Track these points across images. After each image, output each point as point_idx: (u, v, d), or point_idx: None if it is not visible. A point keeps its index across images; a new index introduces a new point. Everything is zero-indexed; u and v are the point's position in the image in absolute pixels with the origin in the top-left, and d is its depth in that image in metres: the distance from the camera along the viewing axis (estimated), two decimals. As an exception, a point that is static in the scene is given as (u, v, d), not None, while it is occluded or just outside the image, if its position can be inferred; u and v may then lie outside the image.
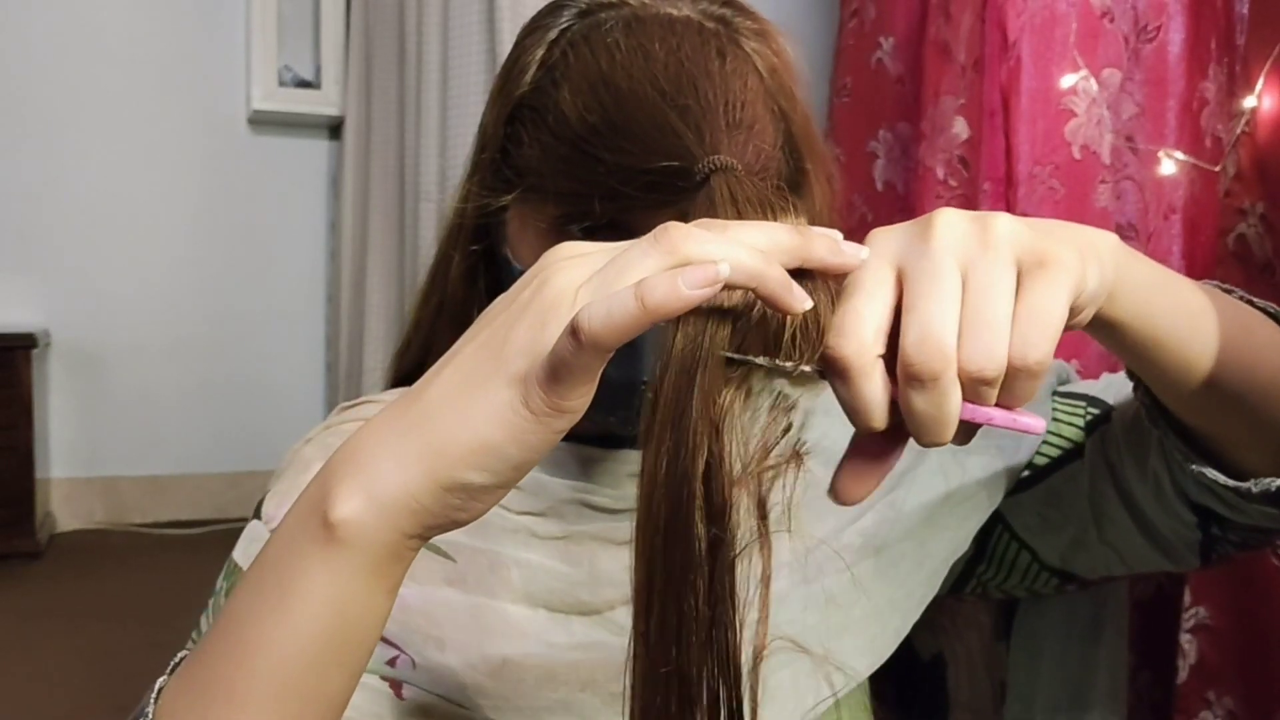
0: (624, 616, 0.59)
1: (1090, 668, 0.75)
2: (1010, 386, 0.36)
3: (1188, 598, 1.01)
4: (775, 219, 0.40)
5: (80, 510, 2.91)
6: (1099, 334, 0.45)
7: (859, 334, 0.36)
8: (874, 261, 0.38)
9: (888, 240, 0.38)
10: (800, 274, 0.38)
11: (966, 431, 0.38)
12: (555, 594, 0.59)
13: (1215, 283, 0.51)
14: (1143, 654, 1.02)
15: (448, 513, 0.39)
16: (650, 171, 0.48)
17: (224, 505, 2.97)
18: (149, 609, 2.18)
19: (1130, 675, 0.83)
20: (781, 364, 0.38)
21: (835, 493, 0.40)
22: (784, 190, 0.44)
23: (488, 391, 0.37)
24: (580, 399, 0.37)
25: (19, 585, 2.39)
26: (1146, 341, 0.45)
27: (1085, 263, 0.38)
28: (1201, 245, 1.24)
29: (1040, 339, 0.36)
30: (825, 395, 0.66)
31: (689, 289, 0.35)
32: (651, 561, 0.37)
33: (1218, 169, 1.15)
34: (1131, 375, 0.55)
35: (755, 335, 0.41)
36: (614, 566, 0.60)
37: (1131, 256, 0.43)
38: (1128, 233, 1.34)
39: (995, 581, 0.69)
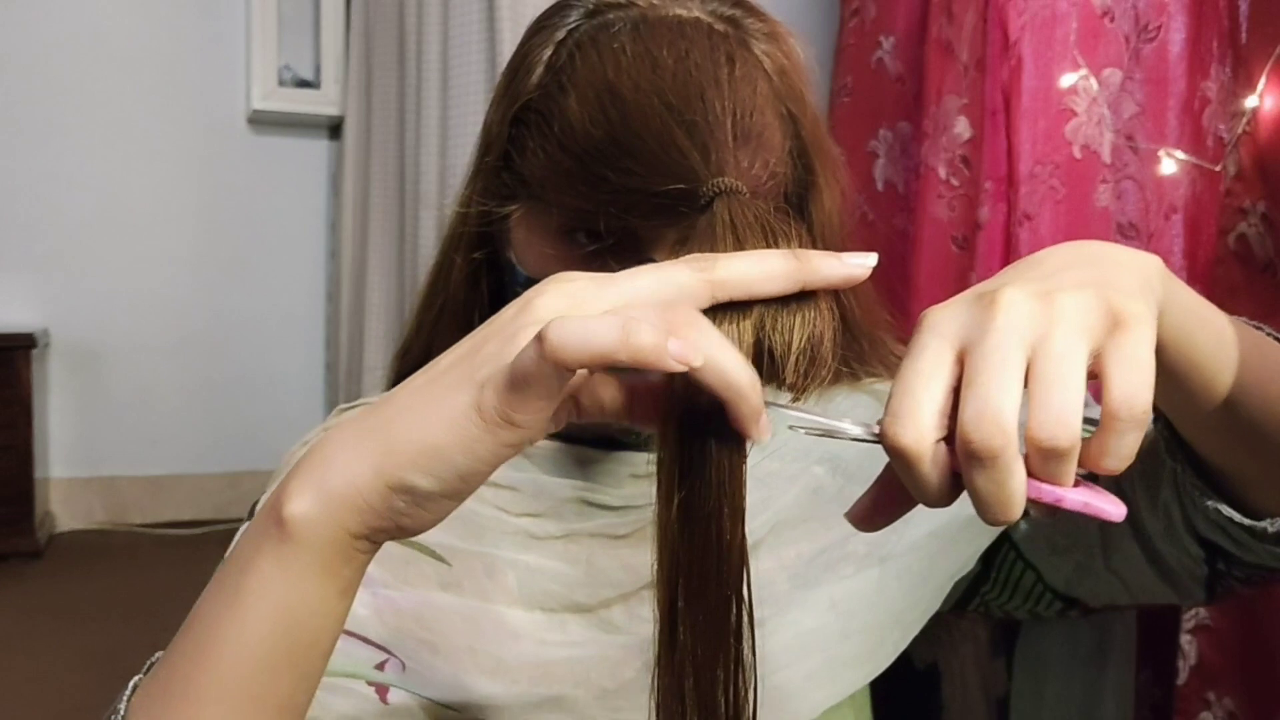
0: (619, 615, 0.59)
1: (1096, 694, 0.75)
2: (1118, 444, 0.35)
3: (1188, 598, 1.01)
4: (776, 244, 0.40)
5: (80, 510, 2.91)
6: None
7: (917, 421, 0.35)
8: (932, 341, 0.37)
9: (948, 320, 0.37)
10: (804, 295, 0.38)
11: (1048, 510, 0.37)
12: (551, 595, 0.59)
13: (1245, 319, 0.51)
14: (1143, 654, 1.02)
15: (393, 516, 0.38)
16: (656, 194, 0.48)
17: (224, 505, 2.97)
18: (149, 609, 2.18)
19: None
20: (846, 430, 0.38)
21: (854, 515, 0.40)
22: (787, 212, 0.43)
23: (447, 397, 0.37)
24: (534, 414, 0.37)
25: (19, 585, 2.39)
26: (1184, 365, 0.45)
27: (1151, 305, 0.38)
28: (1202, 244, 1.24)
29: (1142, 386, 0.35)
30: (835, 403, 0.66)
31: (672, 359, 0.34)
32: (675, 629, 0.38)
33: (1218, 168, 1.15)
34: (1157, 401, 0.54)
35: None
36: (611, 565, 0.60)
37: (1173, 280, 0.43)
38: (1129, 232, 1.34)
39: (999, 601, 0.69)
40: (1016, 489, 0.35)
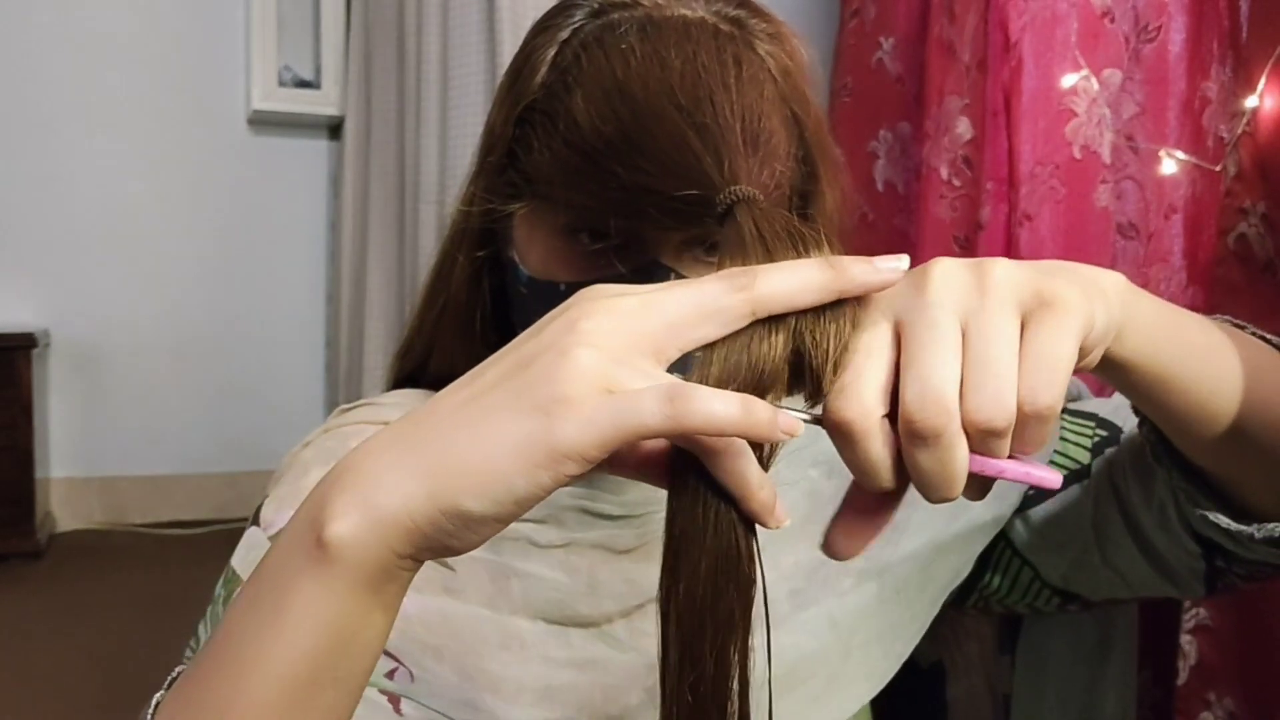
0: (622, 630, 0.59)
1: (1098, 689, 0.75)
2: (1021, 434, 0.35)
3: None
4: (805, 251, 0.39)
5: (80, 510, 2.91)
6: (1106, 375, 0.44)
7: (860, 396, 0.35)
8: (872, 318, 0.37)
9: (886, 296, 0.37)
10: (837, 302, 0.37)
11: (980, 486, 0.37)
12: (554, 605, 0.59)
13: (1226, 318, 0.50)
14: (1143, 654, 1.02)
15: (441, 538, 0.37)
16: (667, 196, 0.47)
17: (224, 505, 2.97)
18: (149, 609, 2.18)
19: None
20: (802, 414, 0.37)
21: (828, 547, 0.40)
22: (813, 220, 0.43)
23: (505, 420, 0.36)
24: (610, 452, 0.36)
25: (19, 585, 2.39)
26: (1155, 381, 0.44)
27: (1091, 302, 0.37)
28: (1202, 245, 1.24)
29: (1050, 383, 0.35)
30: None
31: (783, 430, 0.35)
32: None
33: (1218, 169, 1.15)
34: (1137, 411, 0.54)
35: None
36: (612, 578, 0.60)
37: (1138, 295, 0.43)
38: (1129, 232, 1.34)
39: (997, 596, 0.69)
40: (960, 466, 0.35)
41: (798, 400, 0.38)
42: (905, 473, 0.36)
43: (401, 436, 0.38)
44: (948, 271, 0.37)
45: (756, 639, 0.38)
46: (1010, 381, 0.34)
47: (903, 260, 0.38)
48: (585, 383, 0.35)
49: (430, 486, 0.36)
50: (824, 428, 0.37)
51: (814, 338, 0.37)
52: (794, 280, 0.37)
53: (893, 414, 0.36)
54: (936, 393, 0.34)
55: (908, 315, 0.36)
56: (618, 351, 0.36)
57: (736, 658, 0.37)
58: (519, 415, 0.36)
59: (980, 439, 0.35)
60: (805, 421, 0.37)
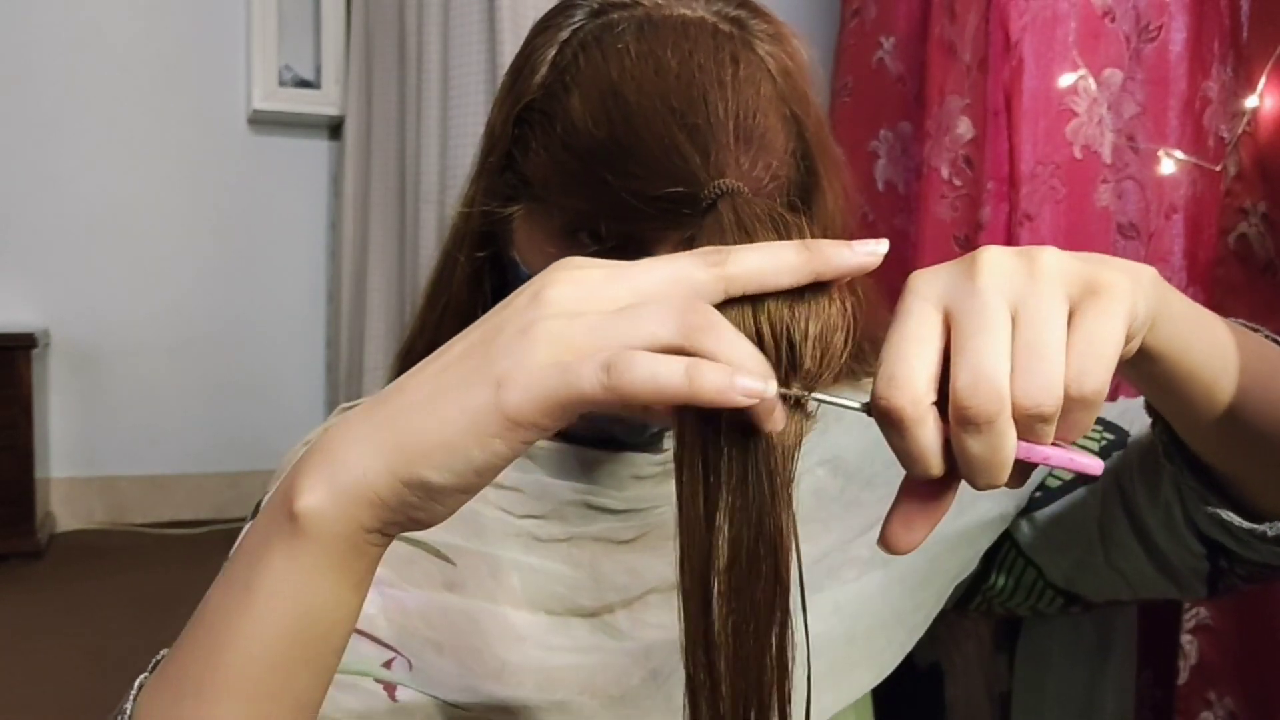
0: (623, 620, 0.59)
1: (1098, 689, 0.75)
2: (1066, 419, 0.35)
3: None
4: (787, 236, 0.39)
5: (80, 510, 2.91)
6: (1136, 367, 0.44)
7: (912, 384, 0.35)
8: (919, 305, 0.36)
9: (932, 283, 0.37)
10: (817, 287, 0.37)
11: (1022, 472, 0.37)
12: (556, 597, 0.59)
13: (1242, 321, 0.51)
14: (1144, 654, 1.02)
15: (405, 510, 0.38)
16: (657, 198, 0.47)
17: (224, 505, 2.97)
18: (149, 609, 2.18)
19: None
20: (850, 403, 0.37)
21: (886, 541, 0.39)
22: (795, 205, 0.43)
23: (462, 392, 0.36)
24: (564, 422, 0.36)
25: (19, 585, 2.39)
26: (1181, 374, 0.44)
27: (1136, 288, 0.38)
28: (1203, 245, 1.24)
29: (1096, 367, 0.35)
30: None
31: (740, 394, 0.34)
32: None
33: (1219, 169, 1.15)
34: (1151, 410, 0.54)
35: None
36: (615, 569, 0.60)
37: (1168, 289, 0.43)
38: (1129, 232, 1.34)
39: (1000, 598, 0.69)
40: (1008, 452, 0.35)
41: (843, 389, 0.38)
42: (953, 459, 0.36)
43: (369, 413, 0.39)
44: (997, 259, 0.36)
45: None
46: (1059, 367, 0.34)
47: (881, 244, 0.37)
48: (540, 351, 0.35)
49: (391, 460, 0.37)
50: (872, 416, 0.36)
51: (793, 317, 0.37)
52: (768, 260, 0.36)
53: (939, 401, 0.35)
54: (989, 379, 0.34)
55: (958, 303, 0.36)
56: (582, 319, 0.36)
57: (778, 614, 0.38)
58: (476, 387, 0.36)
59: (1028, 425, 0.35)
60: (854, 409, 0.37)
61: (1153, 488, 0.59)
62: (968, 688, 0.79)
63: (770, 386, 0.35)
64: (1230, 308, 1.04)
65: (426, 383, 0.38)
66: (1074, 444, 0.37)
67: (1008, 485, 0.37)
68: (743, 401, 0.34)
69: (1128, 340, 0.38)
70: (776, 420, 0.37)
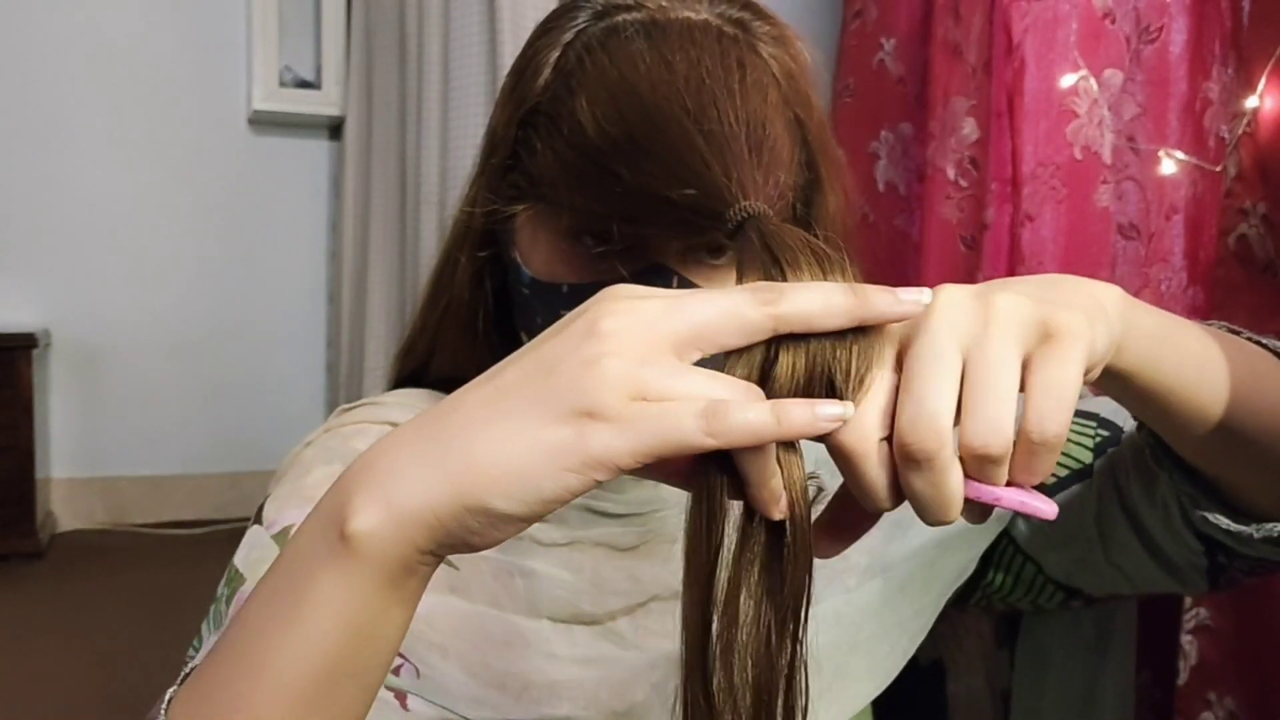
0: (626, 627, 0.59)
1: (1098, 682, 0.75)
2: (1027, 463, 0.36)
3: (1188, 599, 1.01)
4: (830, 274, 0.39)
5: (80, 510, 2.91)
6: (1106, 386, 0.45)
7: (860, 419, 0.36)
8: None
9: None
10: (864, 327, 0.38)
11: (980, 510, 0.38)
12: (558, 603, 0.59)
13: (1223, 324, 0.51)
14: (1144, 655, 1.02)
15: (463, 534, 0.37)
16: (673, 201, 0.47)
17: (224, 505, 2.97)
18: (149, 609, 2.18)
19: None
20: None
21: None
22: (836, 241, 0.43)
23: (534, 424, 0.36)
24: (643, 463, 0.36)
25: (19, 585, 2.39)
26: (1154, 390, 0.45)
27: (1094, 325, 0.38)
28: (1203, 245, 1.24)
29: (1055, 411, 0.35)
30: None
31: (824, 421, 0.35)
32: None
33: (1219, 169, 1.15)
34: (1137, 417, 0.54)
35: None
36: (616, 575, 0.60)
37: (1136, 307, 0.43)
38: (1129, 233, 1.34)
39: (1000, 594, 0.69)
40: (954, 490, 0.36)
41: None
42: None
43: (424, 433, 0.38)
44: (952, 300, 0.37)
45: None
46: (1008, 409, 0.35)
47: (924, 294, 0.38)
48: (614, 391, 0.35)
49: (456, 484, 0.36)
50: (826, 447, 0.37)
51: (835, 359, 0.37)
52: (818, 303, 0.37)
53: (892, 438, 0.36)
54: (930, 417, 0.35)
55: (910, 341, 0.37)
56: (640, 353, 0.36)
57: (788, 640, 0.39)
58: (550, 421, 0.36)
59: (978, 465, 0.36)
60: (811, 439, 0.37)
61: (1149, 486, 0.59)
62: (969, 684, 0.79)
63: (848, 409, 0.36)
64: (1230, 308, 1.04)
65: (484, 406, 0.37)
66: (1062, 449, 0.38)
67: (966, 520, 0.38)
68: (829, 427, 0.36)
69: (1088, 371, 0.39)
70: (783, 507, 0.38)
